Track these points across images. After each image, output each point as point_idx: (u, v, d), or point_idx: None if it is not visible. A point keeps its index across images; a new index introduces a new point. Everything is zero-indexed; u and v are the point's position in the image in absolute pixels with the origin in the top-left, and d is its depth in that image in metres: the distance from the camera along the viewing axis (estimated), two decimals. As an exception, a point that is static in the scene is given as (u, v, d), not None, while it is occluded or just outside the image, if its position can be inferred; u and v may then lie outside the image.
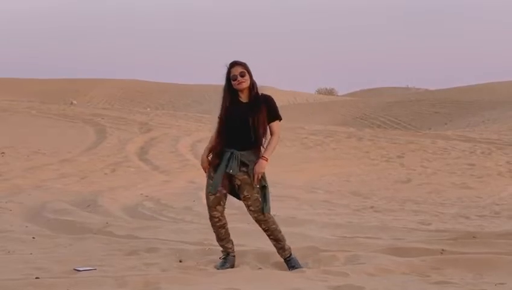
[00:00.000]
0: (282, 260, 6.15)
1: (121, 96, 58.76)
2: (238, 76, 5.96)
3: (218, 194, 6.02)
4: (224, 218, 6.13)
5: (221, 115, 6.04)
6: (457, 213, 11.57)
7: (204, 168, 6.13)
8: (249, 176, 5.96)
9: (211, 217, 6.09)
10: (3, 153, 17.05)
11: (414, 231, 8.92)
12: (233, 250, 6.21)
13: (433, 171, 18.09)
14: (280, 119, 6.10)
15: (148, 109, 36.51)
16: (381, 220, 10.64)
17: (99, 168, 15.93)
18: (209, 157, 6.11)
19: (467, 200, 13.64)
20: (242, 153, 5.95)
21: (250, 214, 6.07)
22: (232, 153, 5.95)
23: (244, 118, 5.93)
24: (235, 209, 11.76)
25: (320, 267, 6.03)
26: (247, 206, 6.03)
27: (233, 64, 6.01)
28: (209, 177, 6.07)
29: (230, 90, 6.03)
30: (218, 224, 6.09)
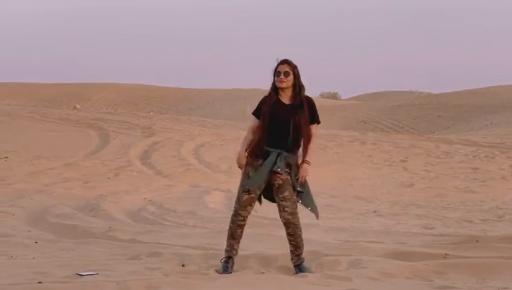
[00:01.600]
0: (288, 265, 6.14)
1: (124, 100, 58.78)
2: (282, 74, 6.00)
3: (252, 195, 6.02)
4: (247, 219, 6.14)
5: (264, 111, 6.04)
6: (461, 217, 11.55)
7: (240, 165, 6.12)
8: (291, 177, 6.00)
9: (237, 215, 6.08)
10: (6, 157, 17.07)
11: (417, 235, 8.91)
12: (236, 253, 6.20)
13: (436, 175, 18.06)
14: (319, 122, 6.17)
15: (151, 113, 36.54)
16: (384, 224, 10.63)
17: (102, 172, 15.94)
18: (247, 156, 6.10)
19: (470, 204, 13.61)
20: (287, 154, 6.00)
21: (283, 215, 6.02)
22: (280, 154, 5.97)
23: (287, 120, 5.98)
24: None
25: (323, 272, 6.01)
26: (283, 207, 6.01)
27: (283, 62, 6.06)
28: (247, 177, 6.06)
29: (275, 87, 6.07)
30: (240, 223, 6.10)
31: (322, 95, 72.60)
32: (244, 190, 6.04)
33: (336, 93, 75.40)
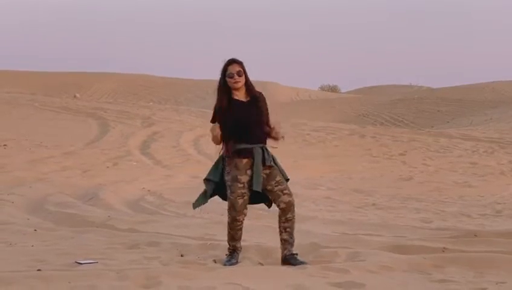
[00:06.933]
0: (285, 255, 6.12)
1: (124, 90, 58.75)
2: (235, 75, 5.92)
3: (246, 197, 5.95)
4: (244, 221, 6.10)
5: (222, 113, 5.97)
6: (459, 211, 11.57)
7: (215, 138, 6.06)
8: (276, 165, 6.00)
9: (235, 221, 5.99)
10: (5, 145, 17.06)
11: (415, 229, 8.92)
12: (240, 250, 6.18)
13: (435, 170, 18.09)
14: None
15: (151, 103, 36.50)
16: (382, 217, 10.65)
17: (102, 161, 15.95)
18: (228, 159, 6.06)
19: (469, 198, 13.64)
20: (264, 146, 5.99)
21: (283, 199, 5.98)
22: (262, 148, 5.94)
23: (251, 118, 5.92)
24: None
25: (321, 264, 6.02)
26: (281, 191, 5.97)
27: (231, 62, 5.96)
28: (236, 181, 5.94)
29: (225, 87, 5.98)
30: (239, 227, 6.04)
31: (322, 88, 72.60)
32: (238, 195, 5.93)
33: (336, 86, 75.44)
